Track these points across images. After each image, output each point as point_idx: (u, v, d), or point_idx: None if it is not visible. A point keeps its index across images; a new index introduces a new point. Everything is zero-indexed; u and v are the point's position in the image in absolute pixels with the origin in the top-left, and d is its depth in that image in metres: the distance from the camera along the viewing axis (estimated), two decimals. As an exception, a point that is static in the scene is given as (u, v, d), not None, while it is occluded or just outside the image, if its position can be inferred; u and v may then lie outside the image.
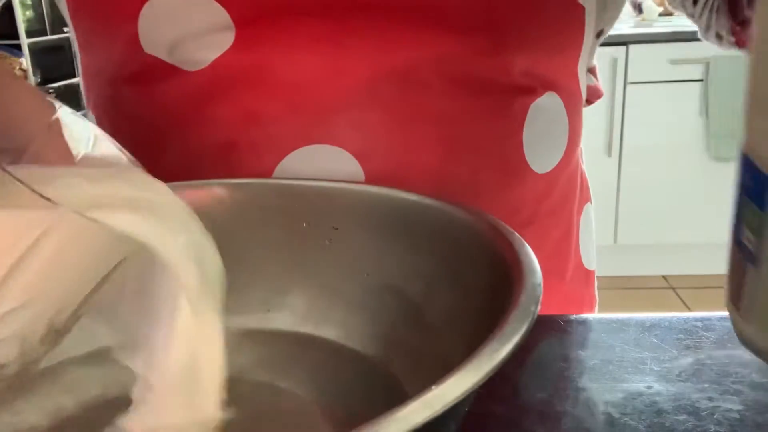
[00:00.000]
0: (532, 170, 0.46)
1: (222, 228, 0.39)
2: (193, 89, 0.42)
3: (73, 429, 0.29)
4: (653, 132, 2.27)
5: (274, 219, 0.38)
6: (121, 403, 0.26)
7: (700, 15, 0.53)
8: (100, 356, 0.33)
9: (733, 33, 0.51)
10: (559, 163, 0.48)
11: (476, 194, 0.44)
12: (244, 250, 0.38)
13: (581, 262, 0.53)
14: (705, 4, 0.52)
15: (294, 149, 0.42)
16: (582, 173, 0.54)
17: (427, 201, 0.35)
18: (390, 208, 0.36)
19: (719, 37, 0.53)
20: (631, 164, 2.31)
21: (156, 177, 0.44)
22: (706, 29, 0.54)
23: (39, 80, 2.39)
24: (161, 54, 0.42)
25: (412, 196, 0.36)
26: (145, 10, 0.41)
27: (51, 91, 1.66)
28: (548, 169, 0.47)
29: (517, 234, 0.29)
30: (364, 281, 0.36)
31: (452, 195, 0.43)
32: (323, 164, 0.42)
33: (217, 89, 0.42)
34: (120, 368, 0.25)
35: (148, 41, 0.41)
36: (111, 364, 0.31)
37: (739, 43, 0.52)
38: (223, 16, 0.40)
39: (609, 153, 2.29)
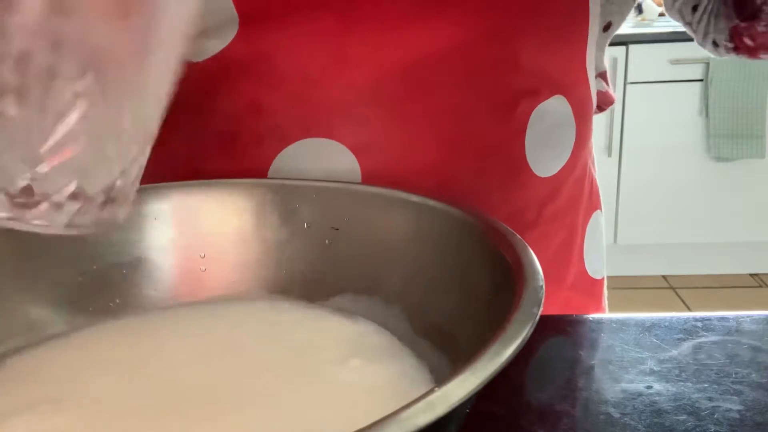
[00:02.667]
0: (534, 174, 0.46)
1: (223, 228, 0.39)
2: (197, 79, 0.42)
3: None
4: (653, 132, 2.28)
5: (274, 219, 0.38)
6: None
7: (699, 21, 0.53)
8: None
9: (733, 37, 0.51)
10: (563, 167, 0.47)
11: (477, 195, 0.44)
12: (244, 250, 0.38)
13: (585, 269, 0.52)
14: (705, 8, 0.52)
15: (294, 141, 0.42)
16: (593, 181, 0.53)
17: (430, 202, 0.35)
18: (391, 209, 0.36)
19: (715, 44, 0.53)
20: (631, 164, 2.31)
21: (162, 166, 0.45)
22: (704, 36, 0.53)
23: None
24: None
25: (413, 197, 0.36)
26: None
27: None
28: (551, 174, 0.47)
29: (518, 236, 0.29)
30: (364, 282, 0.36)
31: (452, 195, 0.42)
32: (320, 158, 0.42)
33: (221, 80, 0.42)
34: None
35: None
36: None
37: (738, 49, 0.52)
38: (227, 6, 0.40)
39: (609, 153, 2.29)
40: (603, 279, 0.55)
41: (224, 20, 0.40)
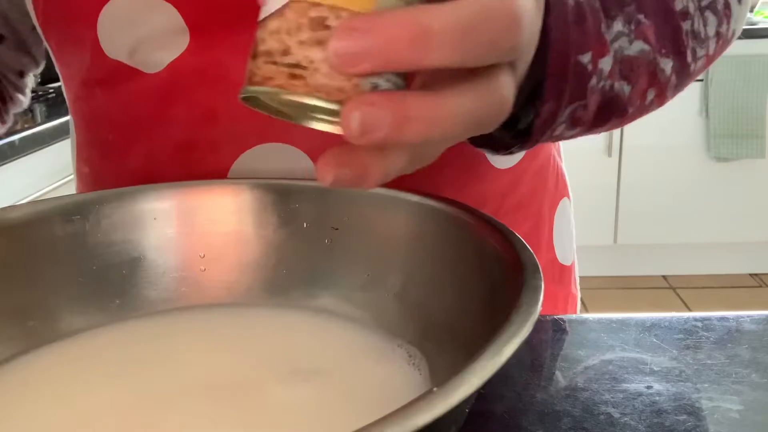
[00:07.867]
0: (492, 166, 0.46)
1: (223, 228, 0.39)
2: (153, 90, 0.43)
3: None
4: (653, 132, 2.28)
5: (274, 219, 0.38)
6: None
7: None
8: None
9: None
10: (523, 158, 0.48)
11: (436, 190, 0.44)
12: (244, 250, 0.38)
13: (555, 257, 0.53)
14: None
15: (250, 147, 0.42)
16: (558, 169, 0.54)
17: (429, 202, 0.35)
18: (390, 209, 0.36)
19: None
20: (631, 164, 2.31)
21: (123, 176, 0.45)
22: None
23: (39, 80, 2.38)
24: (122, 57, 0.43)
25: (412, 197, 0.36)
26: (102, 15, 0.41)
27: (51, 91, 1.67)
28: (511, 165, 0.48)
29: (517, 235, 0.29)
30: (364, 281, 0.36)
31: (407, 188, 0.43)
32: (277, 162, 0.42)
33: (176, 90, 0.42)
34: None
35: (109, 45, 0.43)
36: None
37: None
38: (176, 17, 0.40)
39: (609, 153, 2.29)
40: (573, 264, 0.57)
41: (174, 31, 0.41)
